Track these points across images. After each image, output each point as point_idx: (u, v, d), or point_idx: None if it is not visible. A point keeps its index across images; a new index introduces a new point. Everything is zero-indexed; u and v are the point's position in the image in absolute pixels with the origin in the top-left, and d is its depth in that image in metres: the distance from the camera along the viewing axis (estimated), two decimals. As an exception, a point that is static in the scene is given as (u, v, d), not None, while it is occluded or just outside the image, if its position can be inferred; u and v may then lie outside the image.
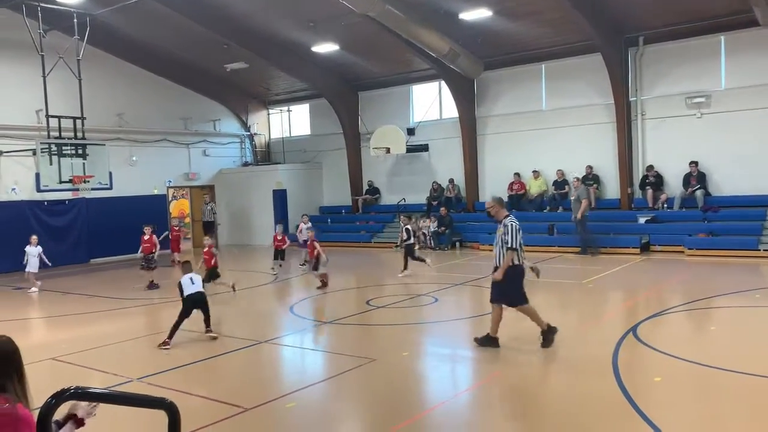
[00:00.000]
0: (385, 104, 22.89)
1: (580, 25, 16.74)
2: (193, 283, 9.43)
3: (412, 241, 14.78)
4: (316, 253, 13.51)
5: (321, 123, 24.68)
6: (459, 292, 12.60)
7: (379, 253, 19.62)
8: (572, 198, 17.37)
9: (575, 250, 16.93)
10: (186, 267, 9.79)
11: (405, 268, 14.50)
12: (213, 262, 13.06)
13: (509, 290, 7.93)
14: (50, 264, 15.36)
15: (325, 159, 24.87)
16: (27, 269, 14.79)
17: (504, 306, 8.06)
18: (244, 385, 7.31)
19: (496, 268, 7.99)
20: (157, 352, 8.80)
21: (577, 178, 17.89)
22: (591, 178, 18.59)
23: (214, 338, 9.27)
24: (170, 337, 8.95)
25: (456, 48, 18.44)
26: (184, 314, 9.20)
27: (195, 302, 9.32)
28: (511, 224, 7.87)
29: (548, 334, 8.00)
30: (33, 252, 14.83)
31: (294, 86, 24.11)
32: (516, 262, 7.87)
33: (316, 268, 13.57)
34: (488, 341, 8.07)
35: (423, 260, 14.73)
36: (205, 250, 13.25)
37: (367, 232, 21.87)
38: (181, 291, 9.33)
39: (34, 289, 14.70)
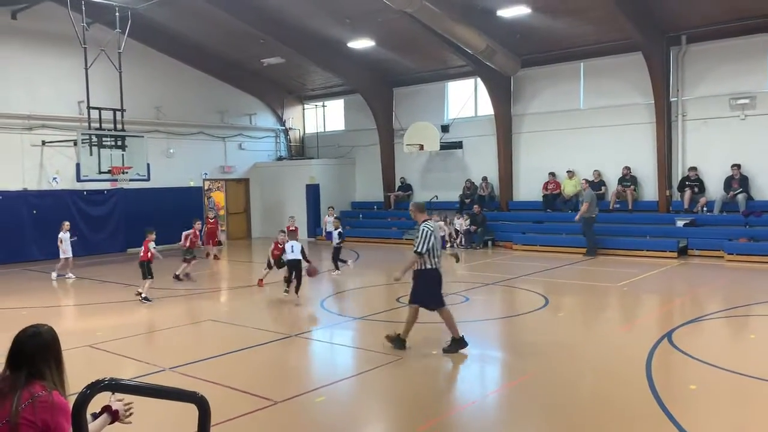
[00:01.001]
0: (420, 101, 22.82)
1: (621, 24, 16.40)
2: (292, 251, 11.75)
3: (340, 244, 15.23)
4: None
5: (355, 118, 24.73)
6: (490, 292, 12.50)
7: (410, 250, 19.55)
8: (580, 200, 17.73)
9: (583, 251, 17.08)
10: (292, 235, 11.98)
11: (336, 268, 15.02)
12: (149, 255, 12.13)
13: (424, 293, 8.03)
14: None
15: (359, 154, 24.92)
16: (65, 255, 15.00)
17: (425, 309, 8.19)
18: (274, 378, 7.37)
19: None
20: (189, 342, 8.92)
21: (586, 180, 18.08)
22: (628, 180, 18.27)
23: (297, 305, 11.41)
24: (288, 286, 11.71)
25: (493, 45, 18.26)
26: (288, 275, 11.79)
27: (290, 268, 11.73)
28: (424, 229, 7.97)
29: (457, 344, 7.99)
30: (68, 237, 15.12)
31: (329, 82, 24.19)
32: (429, 266, 7.96)
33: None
34: (398, 342, 8.11)
35: (338, 266, 15.07)
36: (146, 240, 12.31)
37: (399, 229, 21.85)
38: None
39: (71, 275, 15.05)
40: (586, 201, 16.85)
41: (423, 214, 8.36)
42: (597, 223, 17.63)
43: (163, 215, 20.54)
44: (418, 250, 7.92)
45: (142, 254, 12.24)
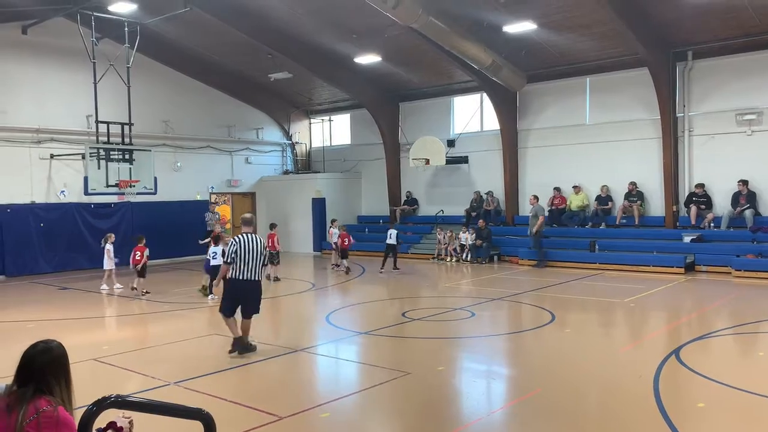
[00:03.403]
0: (426, 115, 22.89)
1: (628, 39, 16.45)
2: (390, 237, 16.98)
3: (219, 262, 11.60)
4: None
5: (361, 133, 24.81)
6: (497, 307, 12.45)
7: (416, 264, 19.56)
8: (530, 214, 18.30)
9: (532, 263, 18.13)
10: (392, 222, 15.43)
11: (210, 292, 13.42)
12: (139, 259, 14.13)
13: (223, 299, 8.90)
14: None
15: (365, 169, 24.97)
16: (109, 267, 15.01)
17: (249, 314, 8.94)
18: (279, 393, 7.34)
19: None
20: (195, 356, 8.90)
21: (535, 197, 18.63)
22: (635, 195, 18.23)
23: (397, 270, 16.52)
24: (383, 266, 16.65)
25: (499, 60, 18.32)
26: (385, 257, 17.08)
27: (388, 249, 17.01)
28: (231, 240, 8.73)
29: (243, 346, 8.71)
30: (113, 249, 15.15)
31: (336, 96, 24.32)
32: (230, 276, 8.57)
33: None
34: (241, 346, 8.73)
35: (208, 292, 13.58)
36: (138, 246, 14.31)
37: (405, 243, 21.81)
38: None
39: (105, 286, 14.98)
40: (541, 215, 17.80)
41: (246, 227, 8.86)
42: (604, 239, 17.97)
43: (170, 228, 20.59)
44: (226, 260, 8.63)
45: (139, 257, 14.06)
